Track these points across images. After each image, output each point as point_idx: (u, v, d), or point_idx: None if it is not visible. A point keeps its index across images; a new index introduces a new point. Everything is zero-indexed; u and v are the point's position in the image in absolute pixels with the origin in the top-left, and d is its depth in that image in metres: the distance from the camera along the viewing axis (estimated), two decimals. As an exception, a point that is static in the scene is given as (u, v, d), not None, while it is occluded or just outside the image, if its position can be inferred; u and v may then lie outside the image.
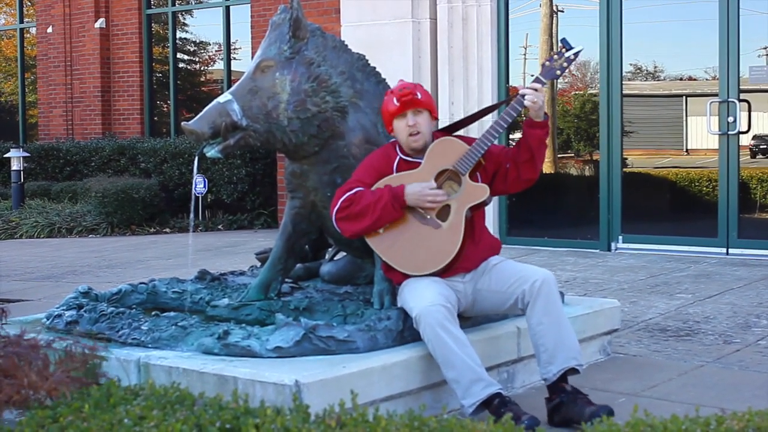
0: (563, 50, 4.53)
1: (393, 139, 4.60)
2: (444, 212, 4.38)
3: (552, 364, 4.25)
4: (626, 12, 10.06)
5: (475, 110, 10.16)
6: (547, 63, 4.55)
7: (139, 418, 2.96)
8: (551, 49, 11.30)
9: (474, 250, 4.45)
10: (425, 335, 4.16)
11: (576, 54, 4.53)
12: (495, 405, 4.04)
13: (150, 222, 14.02)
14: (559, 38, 11.24)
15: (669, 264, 8.98)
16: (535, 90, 4.39)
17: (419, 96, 4.45)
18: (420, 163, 4.46)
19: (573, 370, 4.27)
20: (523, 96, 4.39)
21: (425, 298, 4.20)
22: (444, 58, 10.75)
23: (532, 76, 11.53)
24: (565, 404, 4.17)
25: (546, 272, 4.38)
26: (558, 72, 4.53)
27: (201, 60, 17.67)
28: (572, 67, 4.61)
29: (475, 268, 4.46)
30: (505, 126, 4.43)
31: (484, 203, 4.45)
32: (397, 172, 4.48)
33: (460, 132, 4.81)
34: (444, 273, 4.40)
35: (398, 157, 4.51)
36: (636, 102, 11.16)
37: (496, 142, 4.47)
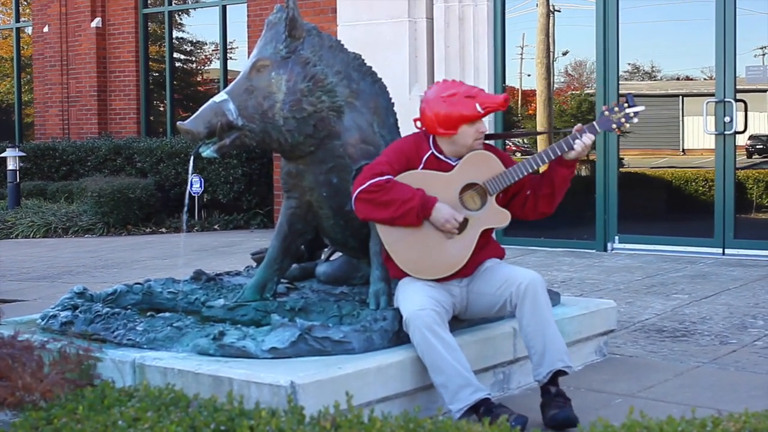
0: (625, 105, 4.47)
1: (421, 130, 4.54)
2: (461, 224, 4.36)
3: (541, 366, 4.26)
4: (623, 12, 10.06)
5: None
6: (606, 113, 4.49)
7: (134, 420, 2.95)
8: (548, 49, 11.31)
9: (477, 258, 4.43)
10: (414, 339, 4.14)
11: (637, 113, 4.46)
12: (482, 411, 4.03)
13: (146, 222, 14.01)
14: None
15: (665, 264, 8.98)
16: (590, 140, 4.37)
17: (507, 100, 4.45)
18: (450, 164, 4.41)
19: (561, 372, 4.27)
20: (574, 139, 4.36)
21: (416, 302, 4.19)
22: (440, 57, 10.75)
23: (529, 75, 11.63)
24: (546, 406, 4.21)
25: (533, 274, 4.36)
26: (614, 126, 4.47)
27: (197, 59, 17.66)
28: (631, 123, 4.53)
29: (473, 273, 4.45)
30: (547, 161, 4.40)
31: (501, 228, 4.45)
32: (425, 166, 4.41)
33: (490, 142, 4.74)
34: (442, 278, 4.39)
35: (430, 152, 4.45)
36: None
37: (533, 172, 4.44)
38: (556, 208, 4.55)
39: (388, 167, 4.35)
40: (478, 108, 4.34)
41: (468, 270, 4.43)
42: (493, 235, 4.58)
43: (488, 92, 4.48)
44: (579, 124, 4.45)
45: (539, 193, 4.48)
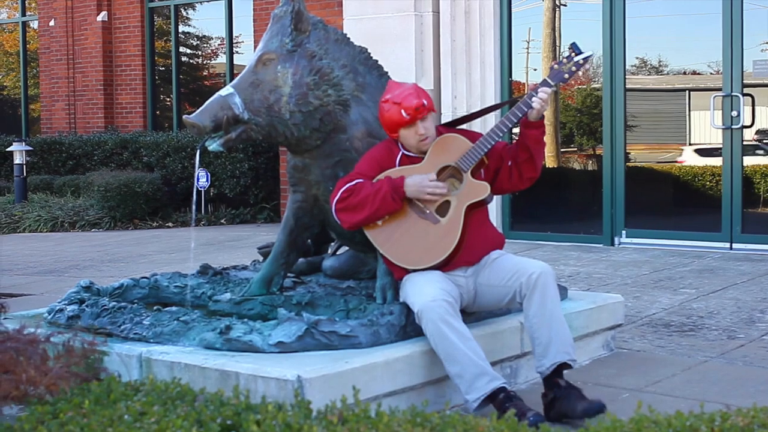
0: (573, 54, 4.53)
1: None
2: (444, 208, 4.38)
3: (545, 358, 4.24)
4: (629, 6, 10.03)
5: (478, 104, 10.28)
6: (556, 66, 4.54)
7: (140, 414, 2.95)
8: (554, 43, 11.29)
9: (476, 243, 4.44)
10: (427, 330, 4.14)
11: (585, 59, 4.53)
12: (500, 399, 4.02)
13: (153, 216, 14.02)
14: (563, 37, 11.29)
15: (672, 259, 8.97)
16: (545, 94, 4.38)
17: (425, 103, 4.41)
18: (421, 159, 4.45)
19: (566, 365, 4.25)
20: (530, 98, 4.39)
21: (427, 294, 4.18)
22: (447, 51, 10.72)
23: (535, 70, 11.61)
24: (558, 399, 4.17)
25: (543, 265, 4.36)
26: (566, 76, 4.52)
27: (203, 53, 17.65)
28: (582, 69, 4.57)
29: (477, 262, 4.44)
30: (510, 126, 4.44)
31: (485, 201, 4.44)
32: (399, 166, 4.47)
33: (463, 126, 4.79)
34: (445, 267, 4.38)
35: (401, 153, 4.50)
36: (639, 96, 11.13)
37: (499, 140, 4.46)
38: (540, 170, 4.57)
39: (358, 176, 4.43)
40: (404, 114, 4.38)
41: (470, 257, 4.42)
42: (499, 228, 4.58)
43: (411, 93, 4.43)
44: (533, 83, 4.49)
45: (519, 160, 4.50)
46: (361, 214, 4.35)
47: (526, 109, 4.41)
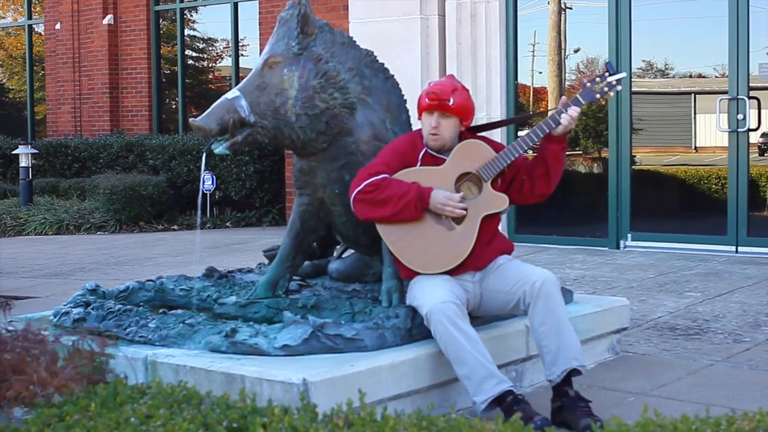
0: (606, 74, 4.46)
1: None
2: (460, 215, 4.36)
3: (555, 365, 4.23)
4: (635, 9, 10.03)
5: (484, 108, 10.29)
6: (588, 84, 4.48)
7: (146, 417, 2.94)
8: (559, 46, 11.29)
9: (485, 250, 4.44)
10: (436, 333, 4.14)
11: (618, 81, 4.45)
12: (508, 402, 4.03)
13: (158, 219, 14.03)
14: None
15: (678, 262, 8.96)
16: (575, 113, 4.37)
17: (450, 103, 4.40)
18: (444, 160, 4.45)
19: (576, 371, 4.25)
20: (559, 114, 4.37)
21: (436, 296, 4.18)
22: (452, 54, 10.73)
23: (540, 73, 11.60)
24: (565, 409, 4.17)
25: (547, 273, 4.35)
26: (598, 96, 4.46)
27: (209, 56, 17.67)
28: (614, 91, 4.53)
29: (485, 267, 4.44)
30: (536, 140, 4.41)
31: (501, 212, 4.44)
32: (422, 164, 4.45)
33: (484, 133, 4.77)
34: (454, 271, 4.38)
35: (424, 149, 4.49)
36: (645, 99, 11.12)
37: (523, 153, 4.45)
38: (554, 188, 4.55)
39: (384, 167, 4.40)
40: (426, 99, 4.44)
41: (479, 263, 4.42)
42: (504, 232, 4.58)
43: (445, 85, 4.48)
44: (564, 98, 4.46)
45: (535, 175, 4.48)
46: (381, 212, 4.34)
47: (553, 125, 4.38)
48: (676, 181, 11.14)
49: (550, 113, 4.44)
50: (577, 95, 4.47)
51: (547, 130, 4.39)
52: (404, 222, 4.36)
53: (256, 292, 4.90)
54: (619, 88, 4.48)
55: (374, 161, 4.47)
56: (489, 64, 10.64)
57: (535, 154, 4.55)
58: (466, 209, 4.34)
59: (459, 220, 4.36)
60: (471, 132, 4.65)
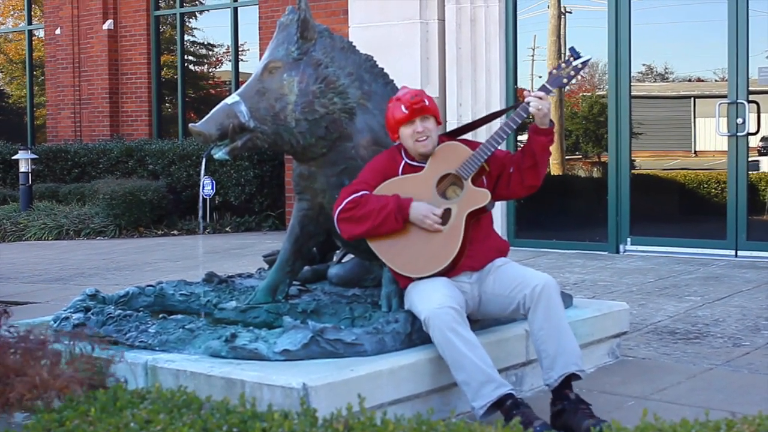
0: (571, 59, 4.51)
1: (398, 143, 4.59)
2: (445, 216, 4.37)
3: (553, 370, 4.23)
4: (635, 13, 10.03)
5: (483, 112, 10.28)
6: (554, 71, 4.54)
7: (146, 422, 2.95)
8: (559, 50, 11.29)
9: (480, 249, 4.44)
10: (435, 338, 4.14)
11: (584, 63, 4.51)
12: (507, 406, 4.02)
13: (158, 224, 14.03)
14: (568, 44, 11.29)
15: (677, 266, 8.96)
16: (541, 98, 4.39)
17: (427, 103, 4.45)
18: (424, 167, 4.46)
19: (574, 376, 4.25)
20: (528, 103, 4.39)
21: (434, 301, 4.18)
22: (452, 59, 10.74)
23: (540, 77, 11.59)
24: (566, 412, 4.16)
25: (546, 277, 4.35)
26: (565, 80, 4.51)
27: (209, 62, 17.68)
28: (581, 74, 4.56)
29: (482, 267, 4.45)
30: (509, 132, 4.43)
31: (486, 208, 4.44)
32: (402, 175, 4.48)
33: (467, 136, 4.80)
34: (449, 272, 4.38)
35: (404, 162, 4.51)
36: (644, 103, 11.13)
37: (500, 147, 4.47)
38: (542, 179, 4.56)
39: (364, 185, 4.44)
40: (403, 109, 4.43)
41: (475, 263, 4.43)
42: (504, 236, 4.58)
43: (413, 92, 4.51)
44: (528, 90, 4.49)
45: (523, 167, 4.50)
46: (363, 227, 4.37)
47: (524, 114, 4.42)
48: (676, 185, 11.14)
49: (520, 105, 4.46)
50: (544, 83, 4.52)
51: (519, 121, 4.43)
52: (388, 234, 4.37)
53: (255, 297, 4.90)
54: (584, 70, 4.51)
55: (354, 181, 4.51)
56: (489, 68, 10.64)
57: (521, 147, 4.57)
58: (444, 224, 4.35)
59: (445, 220, 4.37)
60: (447, 136, 4.68)
